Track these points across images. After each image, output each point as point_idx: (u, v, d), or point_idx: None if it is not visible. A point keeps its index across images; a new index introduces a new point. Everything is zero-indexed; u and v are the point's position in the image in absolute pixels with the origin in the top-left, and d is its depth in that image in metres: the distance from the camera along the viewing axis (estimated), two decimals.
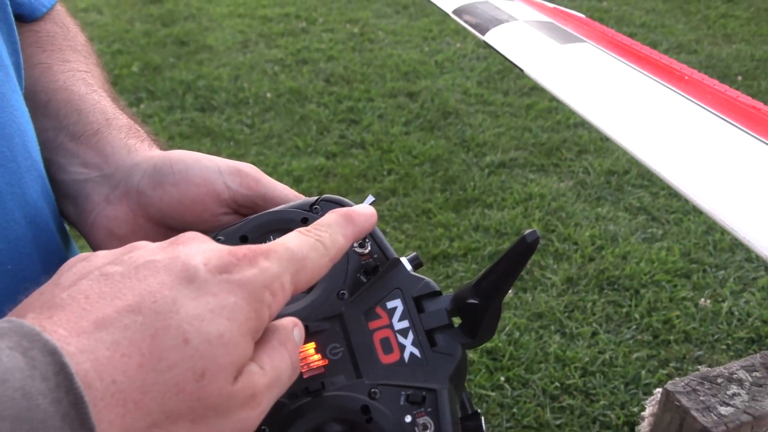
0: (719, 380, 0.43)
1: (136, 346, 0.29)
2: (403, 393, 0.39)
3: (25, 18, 0.66)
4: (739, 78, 4.35)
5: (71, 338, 0.28)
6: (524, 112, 3.97)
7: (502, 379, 2.30)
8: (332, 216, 0.39)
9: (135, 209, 0.51)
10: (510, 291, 2.42)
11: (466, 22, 1.49)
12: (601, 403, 2.22)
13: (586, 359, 2.36)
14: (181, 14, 5.49)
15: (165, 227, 0.51)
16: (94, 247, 0.52)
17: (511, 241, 2.92)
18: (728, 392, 0.42)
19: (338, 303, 0.42)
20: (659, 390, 0.43)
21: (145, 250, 0.35)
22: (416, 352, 0.41)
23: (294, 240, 0.36)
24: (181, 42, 5.03)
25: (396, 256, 0.44)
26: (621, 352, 2.39)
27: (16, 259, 0.48)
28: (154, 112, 4.00)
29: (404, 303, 0.42)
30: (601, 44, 1.31)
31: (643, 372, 2.32)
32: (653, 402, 0.43)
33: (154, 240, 0.47)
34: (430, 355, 0.41)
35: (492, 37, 1.38)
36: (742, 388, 0.42)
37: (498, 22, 1.41)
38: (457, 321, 0.43)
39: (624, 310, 2.58)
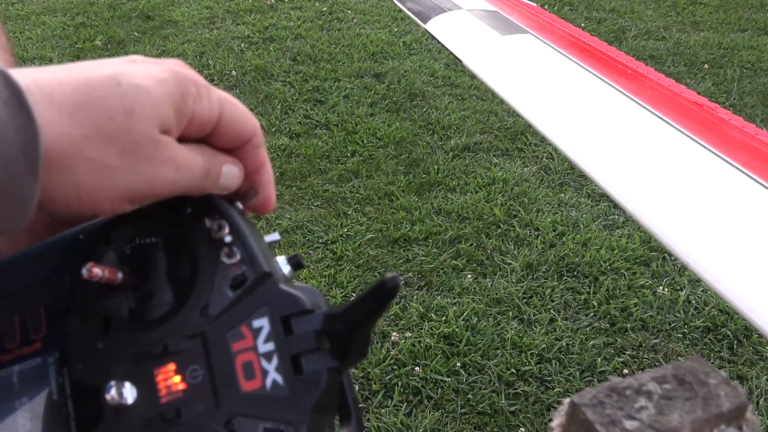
0: (627, 392, 0.41)
1: (73, 79, 0.34)
2: (261, 425, 0.36)
3: None
4: (706, 66, 4.37)
5: (19, 71, 0.33)
6: (491, 95, 3.94)
7: (458, 364, 2.29)
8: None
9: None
10: (469, 276, 2.41)
11: (409, 9, 1.46)
12: (556, 390, 2.22)
13: (543, 346, 2.36)
14: None
15: (56, 220, 0.48)
16: None
17: (473, 226, 2.91)
18: (635, 405, 0.40)
19: (201, 320, 0.38)
20: (568, 400, 0.41)
21: None
22: (279, 379, 0.37)
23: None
24: (147, 16, 4.94)
25: (266, 268, 0.39)
26: (578, 339, 2.39)
27: None
28: None
29: (271, 323, 0.38)
30: (545, 35, 1.28)
31: (599, 359, 2.32)
32: (561, 412, 0.41)
33: (41, 232, 0.44)
34: (293, 382, 0.37)
35: (433, 27, 1.35)
36: (650, 401, 0.40)
37: (440, 10, 1.37)
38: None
39: (582, 297, 2.58)
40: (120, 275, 0.39)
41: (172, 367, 0.37)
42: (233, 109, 0.40)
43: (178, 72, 0.37)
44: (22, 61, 4.23)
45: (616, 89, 1.03)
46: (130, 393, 0.36)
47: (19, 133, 0.31)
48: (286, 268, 0.41)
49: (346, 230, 2.90)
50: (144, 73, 0.36)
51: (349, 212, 3.01)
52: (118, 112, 0.34)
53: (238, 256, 0.39)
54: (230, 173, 0.41)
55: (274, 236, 0.45)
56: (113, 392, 0.36)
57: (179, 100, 0.36)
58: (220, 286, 0.39)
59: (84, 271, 0.37)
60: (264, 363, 0.37)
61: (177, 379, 0.37)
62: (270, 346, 0.37)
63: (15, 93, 0.31)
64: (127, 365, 0.37)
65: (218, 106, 0.39)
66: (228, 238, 0.40)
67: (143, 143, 0.35)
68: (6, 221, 0.33)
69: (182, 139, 0.38)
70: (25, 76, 0.33)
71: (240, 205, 0.42)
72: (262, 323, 0.38)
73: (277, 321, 0.38)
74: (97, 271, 0.37)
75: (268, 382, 0.37)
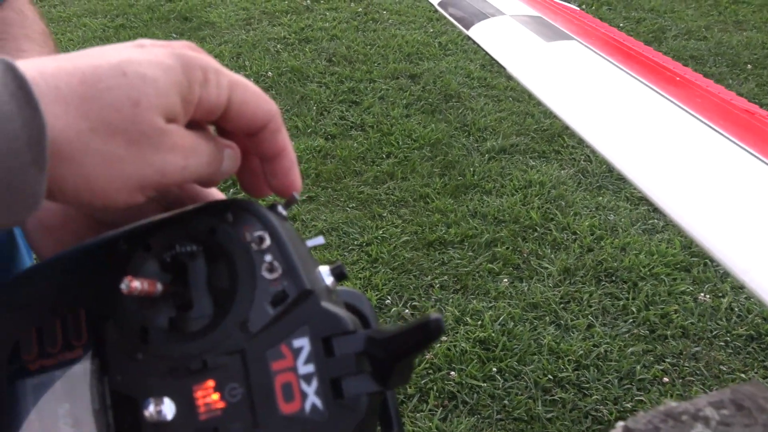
0: (684, 417, 0.39)
1: (79, 69, 0.34)
2: None
3: None
4: (749, 67, 4.28)
5: (25, 62, 0.33)
6: (527, 97, 3.90)
7: (494, 370, 2.27)
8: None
9: None
10: (505, 280, 2.39)
11: (451, 15, 1.43)
12: (594, 397, 2.19)
13: (581, 352, 2.32)
14: None
15: (95, 221, 0.48)
16: (27, 238, 0.50)
17: (509, 229, 2.88)
18: (692, 431, 0.38)
19: (241, 336, 0.37)
20: (621, 424, 0.39)
21: None
22: (318, 403, 0.36)
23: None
24: (185, 17, 4.97)
25: (308, 285, 0.38)
26: (616, 346, 2.35)
27: None
28: None
29: (312, 343, 0.37)
30: (590, 41, 1.24)
31: (638, 367, 2.28)
32: None
33: (83, 234, 0.44)
34: (332, 407, 0.36)
35: (476, 33, 1.32)
36: (708, 427, 0.38)
37: (483, 16, 1.34)
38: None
39: (621, 303, 2.53)
40: (159, 287, 0.38)
41: (211, 383, 0.37)
42: (244, 93, 0.39)
43: (186, 57, 0.37)
44: None
45: (665, 97, 1.00)
46: (169, 409, 0.36)
47: (26, 126, 0.31)
48: (328, 279, 0.40)
49: (381, 232, 2.89)
50: (150, 61, 0.35)
51: (385, 214, 3.00)
52: (125, 103, 0.34)
53: (279, 271, 0.38)
54: (230, 157, 0.41)
55: (318, 240, 0.45)
56: (152, 409, 0.36)
57: (186, 87, 0.36)
58: (260, 302, 0.38)
59: (123, 286, 0.36)
60: (303, 385, 0.36)
61: (216, 396, 0.36)
62: (310, 368, 0.36)
63: (22, 86, 0.31)
64: (165, 379, 0.37)
65: (227, 91, 0.38)
66: (269, 253, 0.39)
67: (149, 133, 0.35)
68: (11, 214, 0.33)
69: (190, 125, 0.38)
70: (31, 68, 0.33)
71: (283, 212, 0.42)
72: (303, 343, 0.37)
73: (318, 341, 0.37)
74: (136, 284, 0.36)
75: (307, 406, 0.36)
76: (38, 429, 0.39)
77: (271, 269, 0.38)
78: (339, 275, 0.41)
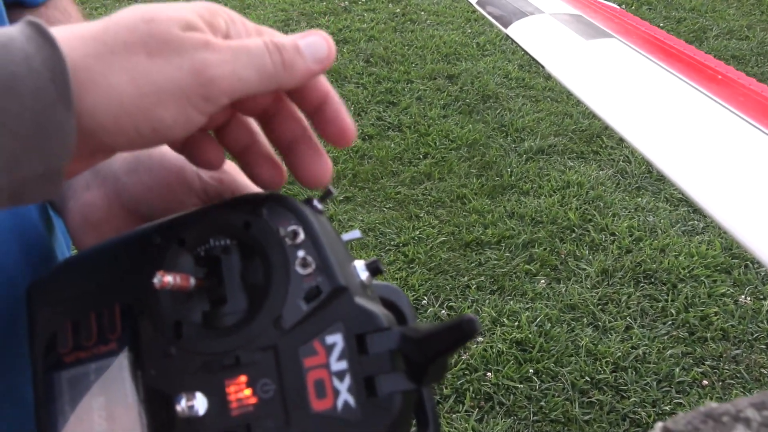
0: (724, 418, 0.39)
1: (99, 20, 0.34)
2: None
3: (27, 3, 0.65)
4: None
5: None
6: (565, 97, 3.88)
7: (531, 371, 2.26)
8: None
9: (110, 195, 0.49)
10: (543, 281, 2.38)
11: (489, 14, 1.43)
12: (632, 399, 2.17)
13: (618, 354, 2.31)
14: None
15: (138, 215, 0.49)
16: (71, 233, 0.51)
17: (546, 230, 2.87)
18: None
19: (274, 332, 0.37)
20: (660, 424, 0.39)
21: None
22: (351, 401, 0.36)
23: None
24: None
25: (342, 282, 0.38)
26: (655, 348, 2.33)
27: None
28: None
29: (345, 340, 0.37)
30: (630, 40, 1.24)
31: (677, 369, 2.25)
32: None
33: (126, 229, 0.45)
34: (365, 406, 0.36)
35: (514, 31, 1.32)
36: (749, 429, 0.38)
37: (522, 14, 1.34)
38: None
39: (660, 304, 2.51)
40: (192, 281, 0.38)
41: (243, 379, 0.37)
42: (273, 34, 0.38)
43: (210, 4, 0.37)
44: None
45: (706, 95, 1.00)
46: (201, 404, 0.36)
47: (46, 62, 0.31)
48: (364, 274, 0.40)
49: (417, 233, 2.89)
50: (171, 3, 0.36)
51: (421, 215, 3.00)
52: (138, 22, 0.34)
53: (313, 266, 0.38)
54: (313, 43, 0.38)
55: (354, 233, 0.44)
56: (183, 404, 0.36)
57: (207, 15, 0.36)
58: (293, 297, 0.38)
59: (155, 281, 0.36)
60: (336, 382, 0.36)
61: (248, 392, 0.36)
62: (343, 365, 0.36)
63: (38, 29, 0.32)
64: (198, 374, 0.37)
65: (255, 33, 0.38)
66: (303, 248, 0.39)
67: (168, 39, 0.34)
68: (43, 158, 0.32)
69: None
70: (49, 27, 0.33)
71: (319, 206, 0.41)
72: (336, 339, 0.37)
73: (352, 338, 0.37)
74: (168, 279, 0.36)
75: (340, 404, 0.36)
76: (73, 422, 0.39)
77: (304, 264, 0.38)
78: (374, 270, 0.40)
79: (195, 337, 0.38)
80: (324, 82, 0.41)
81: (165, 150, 0.48)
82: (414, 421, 0.40)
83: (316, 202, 0.41)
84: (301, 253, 0.39)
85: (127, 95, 0.33)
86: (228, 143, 0.42)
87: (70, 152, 0.32)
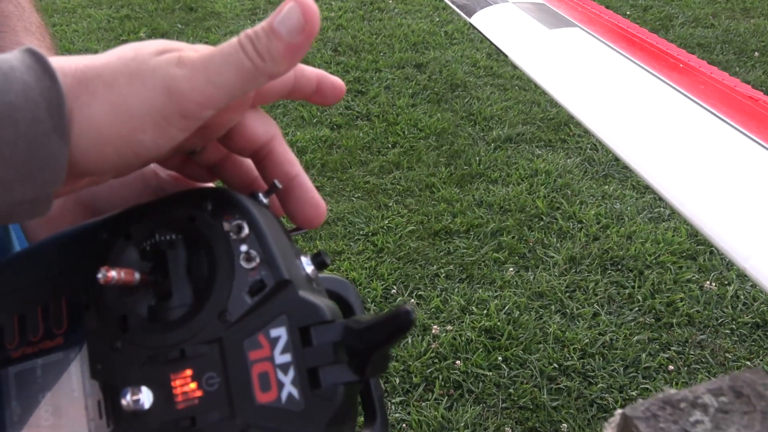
0: (682, 405, 0.39)
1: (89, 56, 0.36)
2: None
3: None
4: (756, 54, 4.26)
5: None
6: (533, 85, 3.89)
7: (500, 359, 2.27)
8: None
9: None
10: (511, 269, 2.39)
11: (453, 2, 1.42)
12: (600, 385, 2.19)
13: (586, 341, 2.33)
14: None
15: (93, 210, 0.48)
16: (23, 227, 0.50)
17: (515, 218, 2.88)
18: (690, 419, 0.38)
19: (219, 325, 0.37)
20: (620, 412, 0.40)
21: None
22: (294, 392, 0.36)
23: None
24: (190, 8, 4.97)
25: (286, 276, 0.38)
26: (622, 335, 2.35)
27: None
28: None
29: (289, 333, 0.37)
30: (593, 29, 1.24)
31: (644, 355, 2.28)
32: (613, 424, 0.40)
33: (79, 224, 0.44)
34: (308, 397, 0.36)
35: (478, 20, 1.32)
36: (706, 415, 0.38)
37: (486, 3, 1.33)
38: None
39: (627, 291, 2.53)
40: (137, 276, 0.38)
41: (188, 372, 0.37)
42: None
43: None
44: (68, 53, 4.29)
45: (668, 84, 1.00)
46: (147, 398, 0.36)
47: (44, 94, 0.32)
48: (309, 268, 0.40)
49: (386, 222, 2.89)
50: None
51: (390, 204, 3.00)
52: (128, 51, 0.35)
53: (257, 260, 0.38)
54: (286, 15, 0.35)
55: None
56: (129, 398, 0.36)
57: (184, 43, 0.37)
58: (238, 291, 0.38)
59: (100, 276, 0.36)
60: (280, 375, 0.36)
61: (193, 385, 0.36)
62: (287, 357, 0.37)
63: (38, 59, 0.33)
64: (143, 368, 0.37)
65: None
66: (247, 242, 0.39)
67: (143, 62, 0.35)
68: (36, 186, 0.33)
69: None
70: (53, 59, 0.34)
71: (264, 200, 0.41)
72: (280, 333, 0.37)
73: (295, 331, 0.37)
74: (112, 274, 0.36)
75: (284, 396, 0.36)
76: (20, 416, 0.39)
77: (249, 258, 0.38)
78: (320, 264, 0.41)
79: (140, 330, 0.38)
80: (292, 156, 0.42)
81: None
82: (363, 414, 0.41)
83: (261, 197, 0.41)
84: (245, 247, 0.39)
85: (105, 124, 0.34)
86: (229, 183, 0.43)
87: (61, 180, 0.33)
